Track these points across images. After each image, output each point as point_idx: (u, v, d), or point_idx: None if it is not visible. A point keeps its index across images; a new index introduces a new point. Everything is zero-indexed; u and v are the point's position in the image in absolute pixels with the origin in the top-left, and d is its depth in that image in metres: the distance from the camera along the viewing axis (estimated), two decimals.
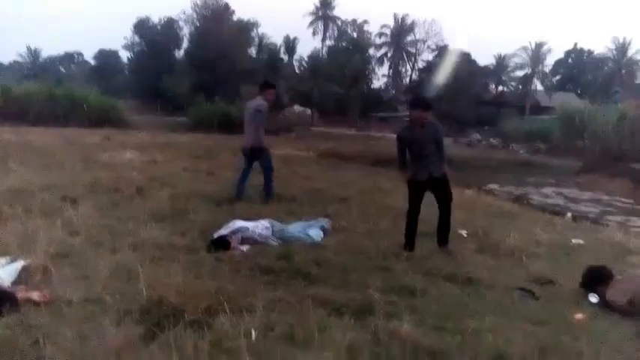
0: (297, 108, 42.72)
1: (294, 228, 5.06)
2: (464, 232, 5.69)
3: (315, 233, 5.00)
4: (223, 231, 4.68)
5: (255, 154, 7.02)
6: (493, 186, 15.66)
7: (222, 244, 4.40)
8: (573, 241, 5.67)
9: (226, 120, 30.51)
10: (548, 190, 16.22)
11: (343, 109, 46.84)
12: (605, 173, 18.92)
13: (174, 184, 7.63)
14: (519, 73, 52.55)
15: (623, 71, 48.92)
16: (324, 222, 5.51)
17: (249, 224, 4.81)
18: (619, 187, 17.00)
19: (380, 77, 58.06)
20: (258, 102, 7.08)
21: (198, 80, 40.51)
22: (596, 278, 3.89)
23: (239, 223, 4.75)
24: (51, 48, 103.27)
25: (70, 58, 63.90)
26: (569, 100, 36.93)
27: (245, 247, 4.50)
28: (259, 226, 4.80)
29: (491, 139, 34.27)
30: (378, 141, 27.29)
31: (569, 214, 5.82)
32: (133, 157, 11.09)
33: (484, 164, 21.32)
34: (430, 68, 51.63)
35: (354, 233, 5.40)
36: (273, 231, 4.76)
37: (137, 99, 43.50)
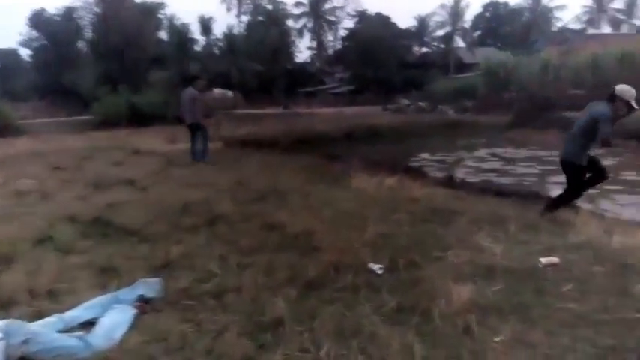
0: (216, 91, 39.75)
1: (70, 318, 2.97)
2: (376, 268, 3.88)
3: (114, 323, 2.94)
4: None
5: (195, 128, 10.36)
6: (425, 155, 14.32)
7: None
8: (543, 260, 3.97)
9: (135, 113, 27.61)
10: (482, 152, 15.06)
11: (267, 87, 44.35)
12: (536, 126, 18.23)
13: None
14: (441, 33, 51.94)
15: (540, 20, 49.25)
16: (149, 285, 3.53)
17: None
18: (552, 139, 16.32)
19: (303, 50, 55.82)
20: (192, 92, 10.25)
21: (104, 72, 36.71)
22: None
23: None
24: None
25: None
26: (491, 55, 36.38)
27: None
28: None
29: (420, 103, 33.17)
30: (304, 118, 25.33)
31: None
32: None
33: (414, 131, 19.88)
34: (353, 36, 49.97)
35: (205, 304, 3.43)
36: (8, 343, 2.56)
37: (45, 99, 39.24)
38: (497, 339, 2.81)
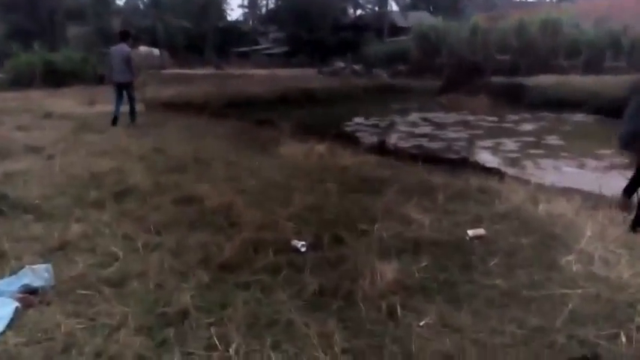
0: (142, 49, 37.41)
1: None
2: (299, 245, 3.57)
3: None
4: None
5: (124, 87, 9.71)
6: (358, 119, 14.19)
7: None
8: (470, 233, 3.81)
9: (51, 71, 25.40)
10: (414, 116, 15.15)
11: (198, 47, 42.30)
12: (465, 91, 18.56)
13: None
14: None
15: None
16: (36, 273, 3.05)
17: None
18: (481, 104, 16.73)
19: (235, 8, 53.62)
20: (125, 49, 9.64)
21: (15, 25, 33.38)
22: None
23: None
24: None
25: None
26: (424, 19, 36.49)
27: None
28: None
29: (354, 66, 32.88)
30: (236, 79, 24.32)
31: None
32: None
33: (349, 94, 19.64)
34: None
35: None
36: None
37: None
38: (422, 323, 2.63)
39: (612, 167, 7.49)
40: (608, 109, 11.85)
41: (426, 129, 12.93)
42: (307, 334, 2.49)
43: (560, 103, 15.32)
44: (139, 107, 11.20)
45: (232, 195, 4.61)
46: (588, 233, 3.72)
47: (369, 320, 2.67)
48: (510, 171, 6.79)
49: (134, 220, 4.10)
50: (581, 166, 7.96)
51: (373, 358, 2.36)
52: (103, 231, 3.86)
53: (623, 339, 2.51)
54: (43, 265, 3.17)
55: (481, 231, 3.80)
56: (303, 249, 3.57)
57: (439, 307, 2.78)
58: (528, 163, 8.15)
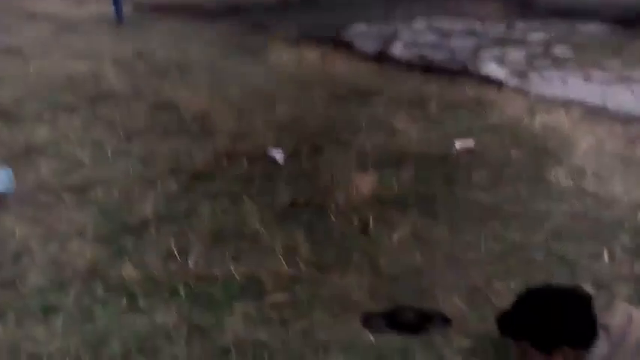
0: None
1: None
2: (277, 155, 3.37)
3: None
4: None
5: None
6: (359, 26, 13.46)
7: None
8: (457, 145, 3.57)
9: None
10: (419, 24, 14.36)
11: None
12: None
13: None
14: None
15: None
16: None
17: None
18: (490, 11, 15.84)
19: None
20: None
21: None
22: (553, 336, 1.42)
23: None
24: None
25: None
26: None
27: None
28: None
29: None
30: None
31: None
32: None
33: None
34: None
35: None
36: None
37: None
38: (394, 236, 2.50)
39: (619, 79, 7.11)
40: (623, 18, 11.16)
41: (431, 37, 12.29)
42: (272, 246, 2.37)
43: (573, 11, 14.46)
44: (126, 9, 10.61)
45: (212, 103, 4.36)
46: (584, 147, 3.51)
47: (339, 233, 2.54)
48: (513, 82, 6.45)
49: (106, 125, 3.90)
50: (587, 77, 7.56)
51: (339, 271, 2.25)
52: (71, 137, 3.67)
53: (606, 258, 2.38)
54: (4, 170, 3.01)
55: (469, 143, 3.58)
56: (280, 160, 3.39)
57: (415, 221, 2.64)
58: (533, 75, 7.74)
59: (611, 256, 2.38)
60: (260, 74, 5.63)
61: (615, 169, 3.25)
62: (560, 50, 9.83)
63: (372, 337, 1.90)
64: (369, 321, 1.98)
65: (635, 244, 2.46)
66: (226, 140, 3.57)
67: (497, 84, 5.37)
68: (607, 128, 4.03)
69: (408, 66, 6.45)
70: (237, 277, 2.18)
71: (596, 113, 4.55)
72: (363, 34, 12.25)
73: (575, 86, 6.75)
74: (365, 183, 2.89)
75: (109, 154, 3.37)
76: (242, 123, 3.94)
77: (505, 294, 2.02)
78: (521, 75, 7.69)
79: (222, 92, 4.83)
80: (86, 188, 2.93)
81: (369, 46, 9.85)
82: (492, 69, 8.09)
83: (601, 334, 1.43)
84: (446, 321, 1.97)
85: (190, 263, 2.25)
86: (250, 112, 4.25)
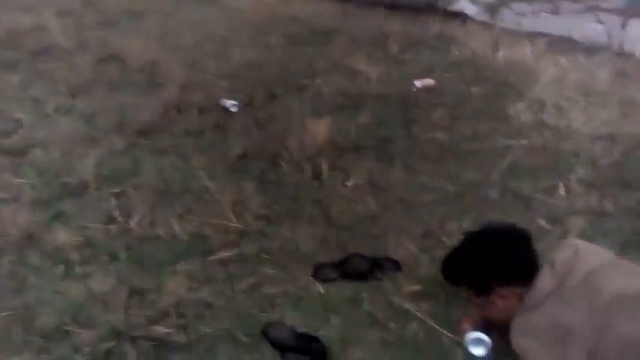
0: None
1: None
2: (230, 104, 3.19)
3: None
4: None
5: None
6: None
7: None
8: (417, 84, 3.44)
9: None
10: None
11: None
12: None
13: None
14: None
15: None
16: None
17: None
18: None
19: None
20: None
21: None
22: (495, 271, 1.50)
23: None
24: None
25: None
26: None
27: None
28: None
29: None
30: None
31: None
32: None
33: None
34: None
35: None
36: None
37: None
38: (348, 183, 2.42)
39: (587, 9, 6.95)
40: None
41: None
42: (220, 201, 2.27)
43: None
44: None
45: (162, 52, 4.12)
46: (546, 79, 3.42)
47: (291, 184, 2.45)
48: (482, 17, 6.24)
49: (48, 81, 3.66)
50: (556, 9, 7.39)
51: (289, 223, 2.18)
52: (10, 95, 3.44)
53: (561, 191, 2.35)
54: None
55: (430, 81, 3.46)
56: (234, 109, 3.23)
57: (370, 166, 2.56)
58: (504, 9, 7.53)
59: (567, 190, 2.34)
60: (215, 19, 5.32)
61: (576, 100, 3.18)
62: None
63: (321, 289, 1.85)
64: (319, 272, 1.93)
65: (591, 175, 2.43)
66: (176, 91, 3.39)
67: (462, 19, 5.18)
68: (571, 59, 3.93)
69: (371, 4, 6.17)
70: (183, 236, 2.09)
71: (561, 44, 4.43)
72: None
73: (543, 18, 6.58)
74: (320, 129, 2.78)
75: (50, 113, 3.17)
76: (193, 72, 3.74)
77: (458, 235, 1.97)
78: (493, 10, 7.47)
79: (174, 40, 4.56)
80: (25, 150, 2.76)
81: None
82: (463, 5, 7.84)
83: (545, 269, 1.39)
84: (397, 266, 1.93)
85: (132, 224, 2.14)
86: (202, 60, 4.03)
